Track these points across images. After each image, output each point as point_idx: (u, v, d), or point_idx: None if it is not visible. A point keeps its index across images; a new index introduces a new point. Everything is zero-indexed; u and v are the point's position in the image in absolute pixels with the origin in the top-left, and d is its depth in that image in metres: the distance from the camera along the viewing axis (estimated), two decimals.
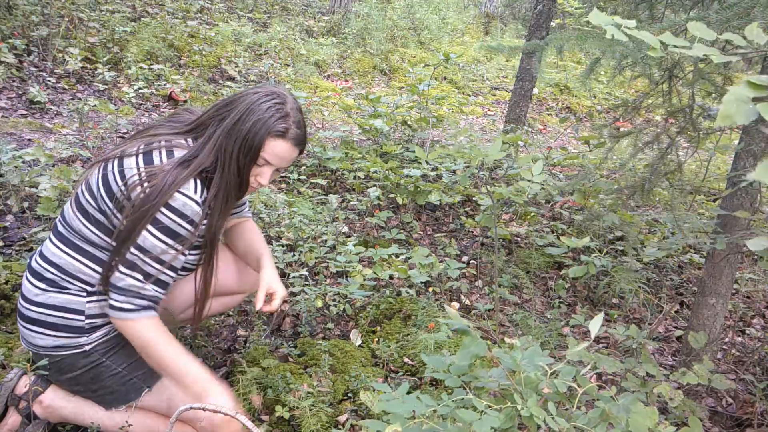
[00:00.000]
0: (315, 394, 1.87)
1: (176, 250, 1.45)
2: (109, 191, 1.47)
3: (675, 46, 0.70)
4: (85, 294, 1.52)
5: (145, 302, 1.46)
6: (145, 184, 1.40)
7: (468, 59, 7.88)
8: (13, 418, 1.63)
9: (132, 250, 1.42)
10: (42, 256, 1.56)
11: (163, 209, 1.40)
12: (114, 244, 1.47)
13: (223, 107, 1.51)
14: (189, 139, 1.54)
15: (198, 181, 1.45)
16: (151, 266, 1.44)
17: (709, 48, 0.69)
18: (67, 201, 1.60)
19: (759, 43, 0.67)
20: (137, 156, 1.47)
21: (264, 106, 1.47)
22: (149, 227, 1.41)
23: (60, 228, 1.56)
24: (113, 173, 1.47)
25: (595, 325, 0.95)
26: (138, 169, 1.44)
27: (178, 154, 1.48)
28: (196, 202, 1.44)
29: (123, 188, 1.43)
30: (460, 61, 7.64)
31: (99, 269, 1.52)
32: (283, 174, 3.42)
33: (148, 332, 1.47)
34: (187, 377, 1.48)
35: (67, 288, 1.51)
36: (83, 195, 1.52)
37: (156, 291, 1.48)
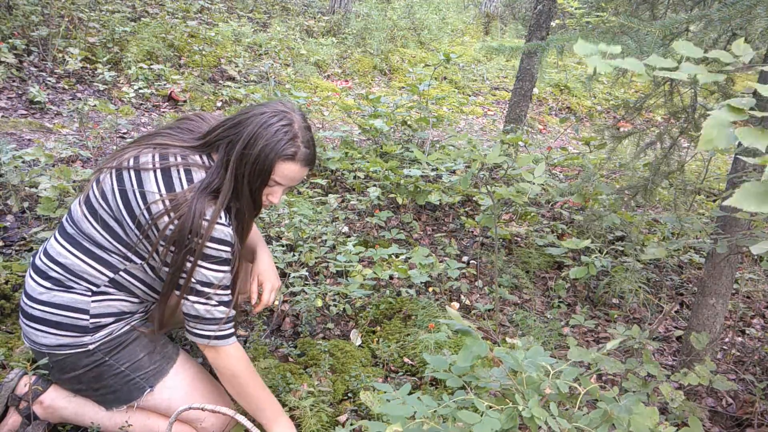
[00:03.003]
0: (315, 394, 1.87)
1: (230, 272, 1.52)
2: (130, 210, 1.47)
3: (661, 68, 0.70)
4: (90, 294, 1.52)
5: (231, 325, 1.55)
6: (172, 215, 1.42)
7: (468, 59, 7.88)
8: (14, 419, 1.63)
9: (200, 288, 1.48)
10: (47, 254, 1.55)
11: (209, 244, 1.44)
12: (162, 276, 1.54)
13: (232, 127, 1.50)
14: (204, 157, 1.53)
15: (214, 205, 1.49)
16: (222, 294, 1.51)
17: (696, 67, 0.69)
18: (74, 200, 1.60)
19: (745, 60, 0.68)
20: (155, 173, 1.47)
21: (272, 129, 1.46)
22: (204, 264, 1.46)
23: (67, 228, 1.55)
24: (133, 192, 1.47)
25: (612, 345, 0.96)
26: (160, 194, 1.44)
27: (197, 175, 1.49)
28: (227, 226, 1.48)
29: (146, 215, 1.45)
30: (460, 61, 7.64)
31: (105, 271, 1.52)
32: None
33: (242, 360, 1.57)
34: (266, 410, 1.59)
35: (72, 287, 1.51)
36: (96, 200, 1.51)
37: (230, 311, 1.54)
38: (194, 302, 1.49)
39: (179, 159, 1.50)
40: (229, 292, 1.53)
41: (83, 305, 1.51)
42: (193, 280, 1.47)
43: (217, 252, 1.46)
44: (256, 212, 1.59)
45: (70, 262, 1.51)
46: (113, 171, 1.51)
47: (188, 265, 1.46)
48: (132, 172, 1.49)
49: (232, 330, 1.56)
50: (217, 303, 1.50)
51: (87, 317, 1.51)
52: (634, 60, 0.74)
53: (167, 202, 1.43)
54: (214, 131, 1.53)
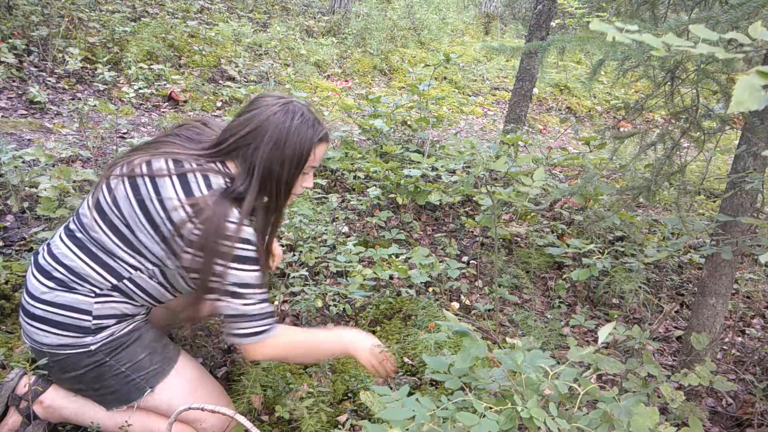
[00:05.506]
0: (315, 394, 1.87)
1: (261, 270, 1.53)
2: (151, 221, 1.47)
3: (678, 46, 0.71)
4: (93, 295, 1.51)
5: (273, 318, 1.58)
6: (195, 221, 1.43)
7: (468, 59, 7.87)
8: (14, 419, 1.63)
9: (237, 290, 1.49)
10: (51, 254, 1.54)
11: (238, 245, 1.46)
12: (190, 283, 1.54)
13: (249, 134, 1.51)
14: (218, 164, 1.54)
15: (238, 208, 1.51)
16: (259, 293, 1.53)
17: (713, 47, 0.70)
18: (82, 203, 1.58)
19: (764, 40, 0.69)
20: (171, 179, 1.47)
21: (294, 124, 1.52)
22: (236, 266, 1.47)
23: (76, 232, 1.54)
24: (151, 201, 1.47)
25: (605, 333, 0.96)
26: (179, 200, 1.45)
27: (215, 180, 1.50)
28: (249, 226, 1.51)
29: (169, 225, 1.45)
30: (460, 61, 7.64)
31: (109, 277, 1.51)
32: None
33: (288, 337, 1.59)
34: (331, 345, 1.66)
35: (75, 288, 1.51)
36: (109, 207, 1.50)
37: (268, 305, 1.57)
38: (236, 303, 1.50)
39: (194, 165, 1.51)
40: (264, 289, 1.55)
41: (86, 306, 1.51)
42: (226, 282, 1.47)
43: (246, 252, 1.48)
44: (288, 204, 1.67)
45: (75, 265, 1.51)
46: (125, 179, 1.51)
47: (218, 268, 1.45)
48: (147, 180, 1.49)
49: (274, 321, 1.58)
50: (257, 301, 1.52)
51: (90, 318, 1.51)
52: (650, 35, 0.76)
53: (188, 209, 1.43)
54: (228, 139, 1.54)
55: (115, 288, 1.52)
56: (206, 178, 1.49)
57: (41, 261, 1.55)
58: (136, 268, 1.51)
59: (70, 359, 1.54)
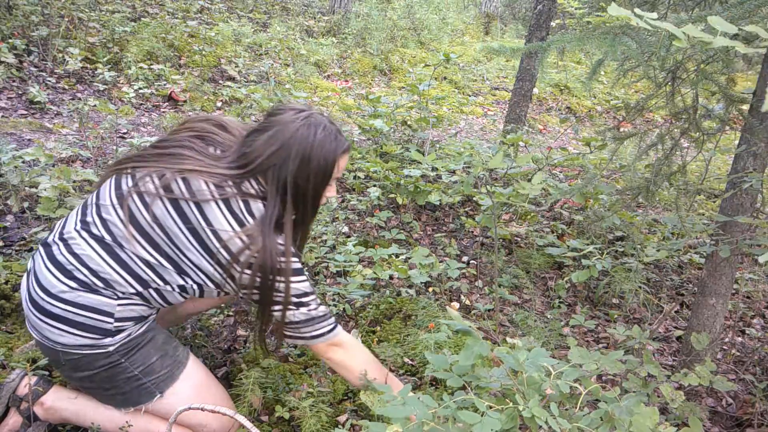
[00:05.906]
0: (315, 394, 1.87)
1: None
2: (206, 248, 1.50)
3: (698, 37, 0.71)
4: (115, 297, 1.49)
5: (333, 317, 1.66)
6: (252, 247, 1.48)
7: (468, 59, 7.88)
8: (14, 420, 1.63)
9: (299, 300, 1.57)
10: (72, 253, 1.50)
11: (292, 259, 1.54)
12: (249, 298, 1.59)
13: (275, 153, 1.53)
14: (253, 182, 1.56)
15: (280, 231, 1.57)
16: (316, 296, 1.62)
17: (732, 41, 0.70)
18: (99, 200, 1.55)
19: None
20: (217, 204, 1.49)
21: (318, 138, 1.55)
22: (294, 278, 1.55)
23: (106, 238, 1.50)
24: (204, 230, 1.48)
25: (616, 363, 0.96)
26: (235, 232, 1.48)
27: (255, 205, 1.53)
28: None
29: (225, 253, 1.49)
30: (460, 61, 7.65)
31: (135, 284, 1.50)
32: None
33: (364, 355, 1.72)
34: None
35: (98, 290, 1.48)
36: (152, 229, 1.49)
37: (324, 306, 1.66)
38: (303, 310, 1.58)
39: (234, 189, 1.52)
40: (316, 294, 1.64)
41: (109, 308, 1.49)
42: (290, 295, 1.55)
43: (297, 264, 1.55)
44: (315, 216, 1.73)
45: (102, 270, 1.48)
46: (165, 199, 1.50)
47: (281, 285, 1.53)
48: (192, 205, 1.49)
49: (334, 319, 1.66)
50: (318, 304, 1.61)
51: (111, 320, 1.49)
52: (671, 25, 0.76)
53: (244, 238, 1.48)
54: (255, 160, 1.54)
55: (138, 294, 1.52)
56: (246, 203, 1.52)
57: (59, 258, 1.50)
58: (165, 282, 1.52)
59: (86, 359, 1.51)
